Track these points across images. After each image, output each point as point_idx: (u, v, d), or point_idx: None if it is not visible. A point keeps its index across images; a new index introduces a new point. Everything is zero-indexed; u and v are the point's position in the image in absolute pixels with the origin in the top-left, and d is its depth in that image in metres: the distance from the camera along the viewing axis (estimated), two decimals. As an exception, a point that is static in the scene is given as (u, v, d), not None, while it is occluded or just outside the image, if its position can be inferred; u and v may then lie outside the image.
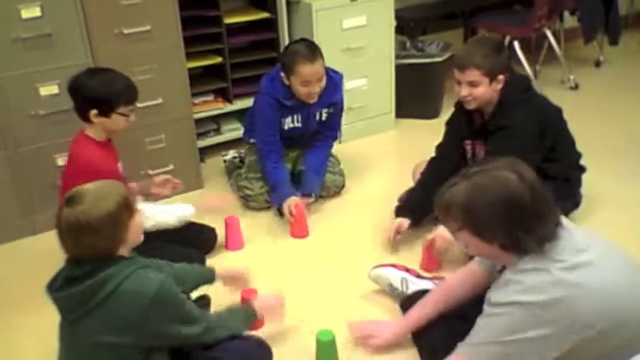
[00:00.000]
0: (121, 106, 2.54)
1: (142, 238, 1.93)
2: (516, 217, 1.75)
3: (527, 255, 1.77)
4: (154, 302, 1.78)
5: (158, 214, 2.63)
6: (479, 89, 2.71)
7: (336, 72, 3.29)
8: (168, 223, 2.65)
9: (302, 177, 3.32)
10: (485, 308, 1.85)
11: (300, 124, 3.26)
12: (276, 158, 3.24)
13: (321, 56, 3.09)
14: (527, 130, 2.72)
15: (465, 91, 2.74)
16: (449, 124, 3.05)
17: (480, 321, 1.86)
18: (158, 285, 1.81)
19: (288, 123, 3.24)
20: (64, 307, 1.83)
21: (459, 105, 2.93)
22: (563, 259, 1.75)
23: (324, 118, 3.31)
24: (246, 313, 2.23)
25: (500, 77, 2.72)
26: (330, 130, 3.39)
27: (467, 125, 2.93)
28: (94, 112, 2.52)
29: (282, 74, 3.11)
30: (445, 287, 2.28)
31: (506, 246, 1.78)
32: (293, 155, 3.44)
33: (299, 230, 3.10)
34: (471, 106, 2.80)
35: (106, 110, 2.53)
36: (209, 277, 2.39)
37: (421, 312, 2.25)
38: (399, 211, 2.97)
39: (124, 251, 1.86)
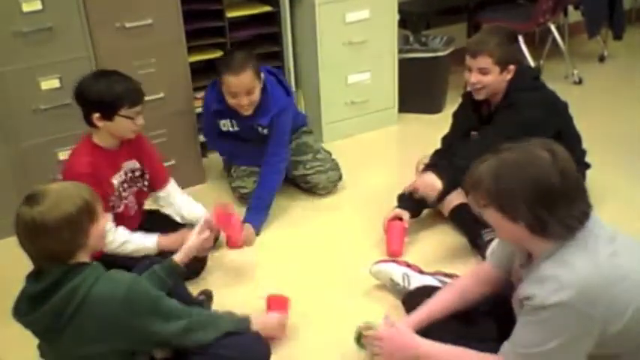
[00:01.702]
0: (124, 108, 2.49)
1: (104, 244, 1.87)
2: (542, 197, 1.68)
3: (554, 241, 1.71)
4: (126, 302, 1.73)
5: (121, 246, 2.56)
6: (488, 77, 2.71)
7: (286, 93, 3.21)
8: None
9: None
10: (527, 312, 1.74)
11: (237, 129, 3.26)
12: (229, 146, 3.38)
13: (254, 69, 3.00)
14: (532, 107, 2.70)
15: (474, 77, 2.74)
16: (455, 115, 3.03)
17: (523, 325, 1.76)
18: (128, 284, 1.76)
19: (225, 125, 3.27)
20: (37, 329, 1.79)
21: (467, 96, 2.91)
22: (598, 249, 1.70)
23: (265, 132, 3.20)
24: (240, 321, 2.12)
25: (511, 67, 2.72)
26: (274, 148, 3.18)
27: (474, 116, 2.91)
28: (96, 115, 2.48)
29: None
30: (459, 288, 2.16)
31: (533, 227, 1.71)
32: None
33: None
34: (480, 96, 2.78)
35: (108, 113, 2.48)
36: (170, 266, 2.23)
37: (429, 313, 2.12)
38: (400, 201, 2.95)
39: (84, 256, 1.79)
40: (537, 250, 1.77)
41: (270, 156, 3.18)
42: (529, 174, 1.69)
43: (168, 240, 2.61)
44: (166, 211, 2.88)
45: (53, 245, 1.71)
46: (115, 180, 2.62)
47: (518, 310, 1.84)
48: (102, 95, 2.47)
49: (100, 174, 2.54)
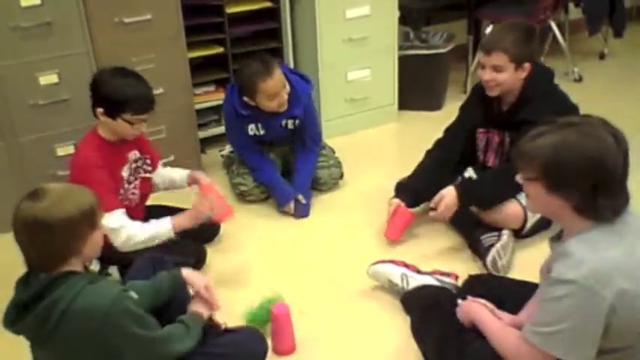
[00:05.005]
0: (128, 113, 2.49)
1: (98, 254, 1.83)
2: (603, 180, 1.63)
3: (595, 222, 1.66)
4: (107, 317, 1.67)
5: (138, 235, 2.53)
6: (503, 75, 2.63)
7: (305, 80, 3.25)
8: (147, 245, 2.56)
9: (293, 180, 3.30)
10: (546, 286, 1.73)
11: (263, 132, 3.22)
12: (256, 158, 3.28)
13: (277, 64, 3.06)
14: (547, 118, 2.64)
15: (488, 75, 2.65)
16: (463, 108, 2.97)
17: (541, 304, 1.75)
18: (111, 299, 1.69)
19: (252, 129, 3.21)
20: (27, 335, 1.76)
21: (477, 90, 2.84)
22: (633, 240, 1.67)
23: (290, 126, 3.24)
24: (198, 318, 2.04)
25: (526, 65, 2.63)
26: (308, 137, 3.32)
27: (482, 112, 2.84)
28: (100, 109, 2.49)
29: (246, 98, 3.07)
30: None
31: (581, 208, 1.66)
32: (280, 150, 3.40)
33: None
34: (493, 93, 2.70)
35: (111, 112, 2.49)
36: (175, 281, 2.13)
37: None
38: (398, 191, 2.94)
39: (76, 264, 1.74)
40: (573, 227, 1.72)
41: (306, 138, 3.29)
42: (594, 156, 1.62)
43: (179, 219, 2.59)
44: (160, 186, 2.89)
45: (49, 245, 1.68)
46: (124, 172, 2.63)
47: (542, 283, 1.83)
48: (110, 94, 2.48)
49: (111, 166, 2.55)
